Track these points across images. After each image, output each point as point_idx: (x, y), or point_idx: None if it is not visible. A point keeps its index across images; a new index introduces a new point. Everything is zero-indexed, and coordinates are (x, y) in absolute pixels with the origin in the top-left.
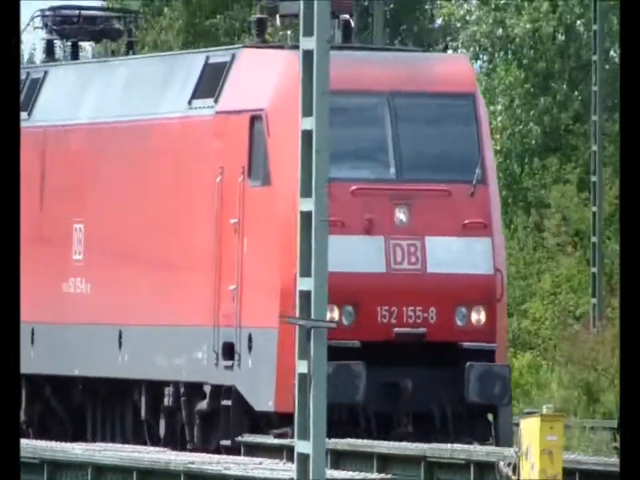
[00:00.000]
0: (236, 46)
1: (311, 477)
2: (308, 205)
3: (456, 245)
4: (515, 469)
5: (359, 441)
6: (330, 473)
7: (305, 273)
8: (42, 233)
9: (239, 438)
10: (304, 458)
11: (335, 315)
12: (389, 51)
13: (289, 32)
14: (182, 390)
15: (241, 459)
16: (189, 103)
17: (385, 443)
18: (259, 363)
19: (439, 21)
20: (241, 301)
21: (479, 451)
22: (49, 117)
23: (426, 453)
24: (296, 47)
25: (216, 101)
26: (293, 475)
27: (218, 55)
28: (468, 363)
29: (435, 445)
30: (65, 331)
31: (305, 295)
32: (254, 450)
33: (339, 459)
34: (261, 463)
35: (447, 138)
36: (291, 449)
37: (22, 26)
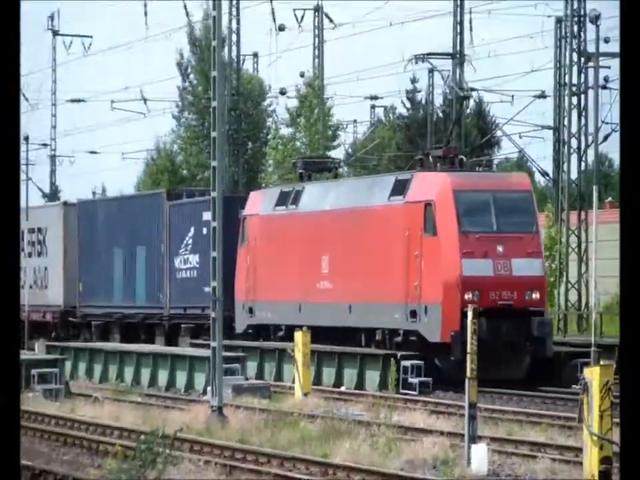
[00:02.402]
0: (412, 171)
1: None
2: (215, 253)
3: (526, 262)
4: None
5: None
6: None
7: (214, 277)
8: (306, 261)
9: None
10: (213, 349)
11: (470, 296)
12: (490, 172)
13: (438, 164)
14: (386, 332)
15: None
16: (389, 198)
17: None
18: (430, 319)
19: None
20: (421, 291)
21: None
22: (308, 207)
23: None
24: (444, 171)
25: (404, 197)
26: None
27: (403, 175)
28: (532, 318)
29: None
30: (319, 306)
31: (214, 288)
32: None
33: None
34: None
35: (520, 212)
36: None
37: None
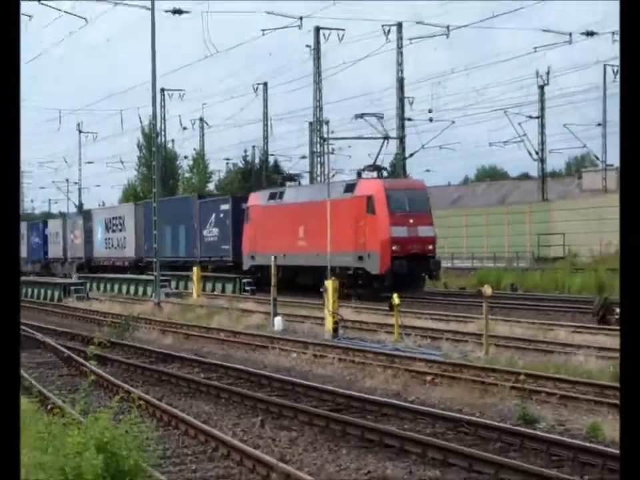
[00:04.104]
0: (357, 179)
1: None
2: (156, 232)
3: (424, 228)
4: None
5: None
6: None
7: (155, 242)
8: (289, 230)
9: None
10: (155, 276)
11: (395, 247)
12: (404, 179)
13: (376, 175)
14: (342, 268)
15: None
16: (342, 194)
17: None
18: (372, 259)
19: None
20: (365, 244)
21: None
22: (288, 200)
23: None
24: (379, 178)
25: (352, 193)
26: None
27: (351, 181)
28: (430, 259)
29: None
30: (297, 255)
31: (155, 248)
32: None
33: None
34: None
35: (420, 200)
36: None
37: None
